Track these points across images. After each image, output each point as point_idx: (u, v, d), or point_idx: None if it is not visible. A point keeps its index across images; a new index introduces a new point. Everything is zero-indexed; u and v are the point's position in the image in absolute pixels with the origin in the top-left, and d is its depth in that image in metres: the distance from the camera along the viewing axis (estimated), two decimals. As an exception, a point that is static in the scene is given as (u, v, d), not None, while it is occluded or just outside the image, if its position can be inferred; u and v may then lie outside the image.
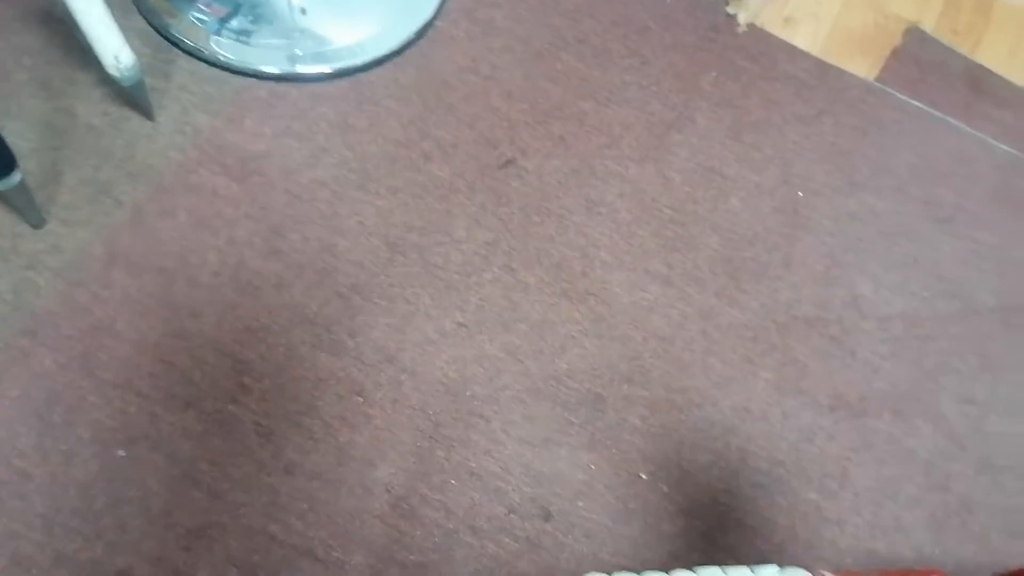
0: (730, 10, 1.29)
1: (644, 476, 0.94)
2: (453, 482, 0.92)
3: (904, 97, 1.25)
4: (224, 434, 0.91)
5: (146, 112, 1.09)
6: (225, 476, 0.89)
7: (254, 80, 1.16)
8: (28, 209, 0.99)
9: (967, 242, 1.13)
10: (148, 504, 0.87)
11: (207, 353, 0.96)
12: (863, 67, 1.27)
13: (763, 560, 0.90)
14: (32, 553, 0.83)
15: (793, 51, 1.28)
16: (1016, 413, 1.02)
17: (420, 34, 1.23)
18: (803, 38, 1.29)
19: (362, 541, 0.88)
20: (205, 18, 1.20)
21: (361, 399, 0.95)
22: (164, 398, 0.93)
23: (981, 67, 1.30)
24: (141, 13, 1.19)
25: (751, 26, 1.29)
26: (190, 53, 1.17)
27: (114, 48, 0.99)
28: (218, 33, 1.19)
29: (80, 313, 0.96)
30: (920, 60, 1.29)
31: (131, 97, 1.08)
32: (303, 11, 1.22)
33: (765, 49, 1.28)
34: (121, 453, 0.89)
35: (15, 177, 0.94)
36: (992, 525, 0.94)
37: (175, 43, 1.17)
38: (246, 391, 0.94)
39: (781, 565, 0.59)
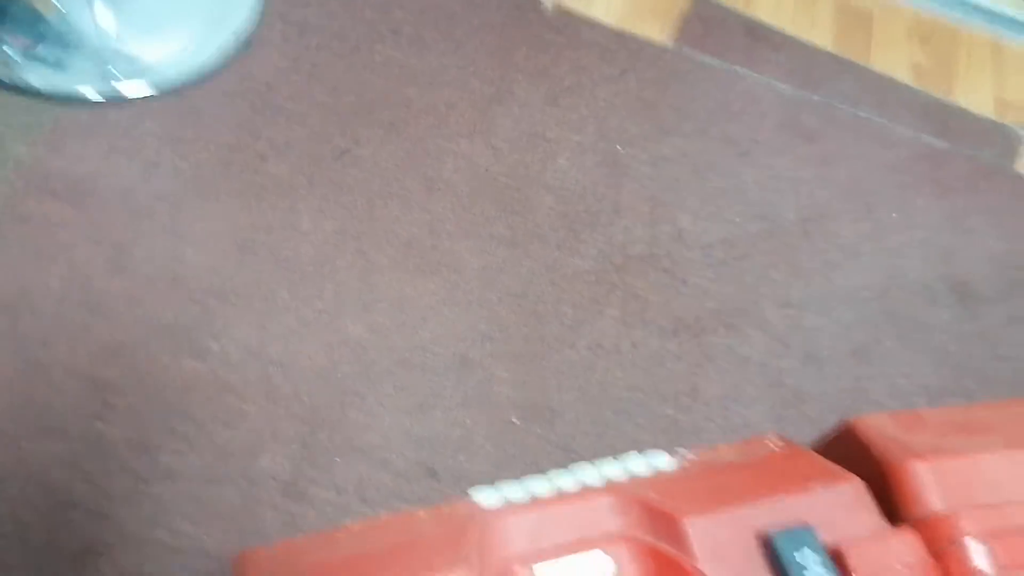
0: (530, -10, 1.34)
1: (517, 422, 0.97)
2: (338, 460, 0.91)
3: (696, 53, 1.34)
4: (96, 454, 0.87)
5: (-42, 148, 1.02)
6: (104, 494, 0.85)
7: (73, 105, 1.10)
8: None
9: (764, 169, 1.23)
10: (26, 537, 0.82)
11: (65, 379, 0.91)
12: (658, 31, 1.35)
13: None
14: (-97, 610, 0.77)
15: (595, 24, 1.34)
16: (829, 308, 1.12)
17: (237, 41, 1.20)
18: (602, 11, 1.36)
19: (256, 531, 0.86)
20: (9, 50, 1.13)
21: (233, 397, 0.93)
22: (27, 430, 0.87)
23: (757, 20, 1.40)
24: (-64, 49, 1.11)
25: (555, 5, 1.34)
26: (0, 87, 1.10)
27: (-88, 83, 0.93)
28: (26, 63, 1.12)
29: (-83, 360, 0.89)
30: (705, 19, 1.39)
31: (-61, 134, 1.01)
32: (113, 33, 1.18)
33: (569, 24, 1.33)
34: (-13, 492, 0.84)
35: None
36: (823, 409, 1.03)
37: (-20, 77, 1.10)
38: (111, 408, 0.90)
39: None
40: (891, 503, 0.61)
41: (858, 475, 0.59)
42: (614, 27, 1.34)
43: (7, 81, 1.09)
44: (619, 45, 1.32)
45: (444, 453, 0.93)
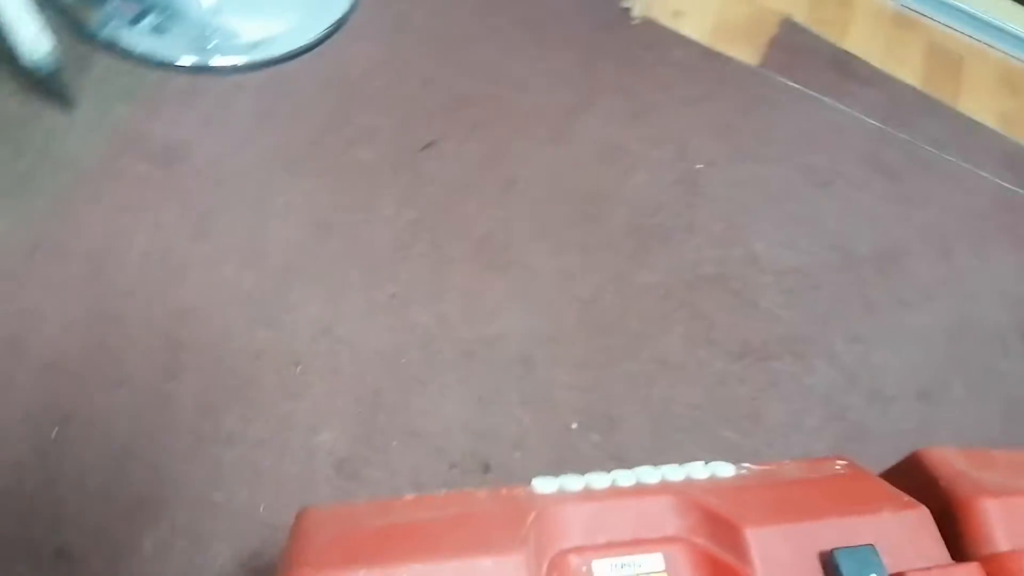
0: (624, 4, 1.34)
1: (574, 427, 0.96)
2: (395, 443, 0.91)
3: (782, 79, 1.32)
4: (161, 409, 0.88)
5: (64, 102, 1.05)
6: (165, 449, 0.86)
7: (172, 72, 1.13)
8: (-56, 198, 0.93)
9: (843, 202, 1.20)
10: (85, 481, 0.83)
11: (140, 332, 0.92)
12: (745, 53, 1.34)
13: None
14: (-34, 538, 0.78)
15: (682, 40, 1.33)
16: (898, 346, 1.09)
17: (336, 28, 1.22)
18: (691, 29, 1.35)
19: (308, 502, 0.86)
20: (119, 18, 1.16)
21: (299, 370, 0.93)
22: (97, 377, 0.89)
23: (847, 52, 1.38)
24: (55, 11, 1.14)
25: (644, 19, 1.34)
26: (106, 48, 1.12)
27: (31, 36, 0.95)
28: (132, 29, 1.15)
29: (3, 299, 0.91)
30: (794, 47, 1.37)
31: (49, 88, 1.03)
32: (216, 11, 1.20)
33: (657, 39, 1.33)
34: (54, 432, 0.85)
35: (-70, 164, 0.89)
36: (886, 447, 0.99)
37: (90, 39, 1.13)
38: (182, 367, 0.91)
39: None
40: (955, 537, 0.59)
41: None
42: (702, 46, 1.33)
43: (115, 45, 1.12)
44: (706, 65, 1.31)
45: (500, 449, 0.93)
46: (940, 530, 0.55)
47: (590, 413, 0.96)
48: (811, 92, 1.31)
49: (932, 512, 0.55)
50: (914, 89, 1.37)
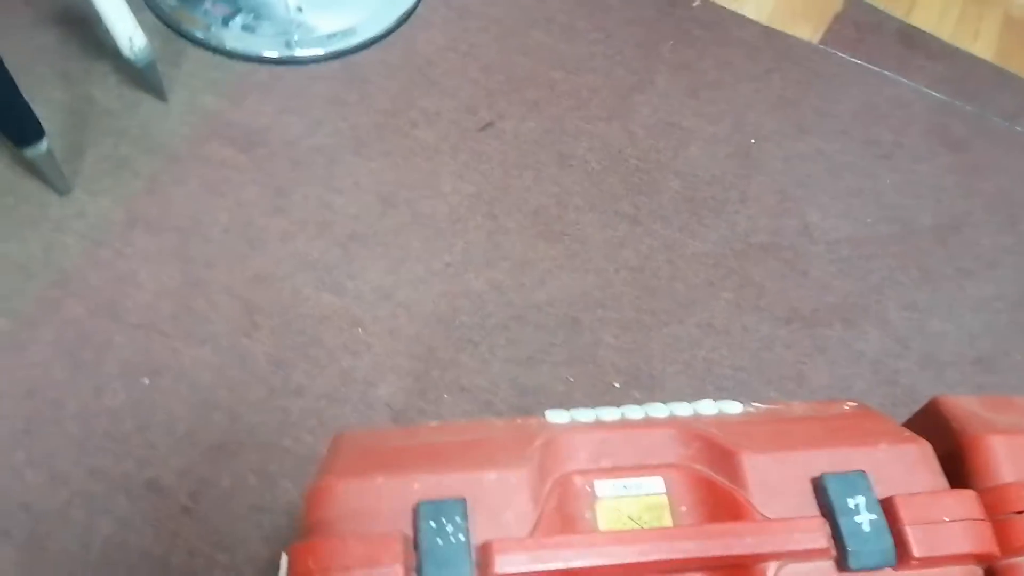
0: (683, -13, 1.39)
1: (618, 385, 1.01)
2: (447, 397, 0.99)
3: (845, 55, 1.33)
4: (239, 364, 0.99)
5: (158, 94, 1.18)
6: (242, 400, 0.97)
7: (255, 65, 1.24)
8: (55, 177, 1.07)
9: (905, 174, 1.21)
10: (173, 426, 0.94)
11: (221, 297, 1.03)
12: (807, 31, 1.36)
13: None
14: (68, 469, 0.90)
15: (743, 20, 1.37)
16: (956, 315, 1.09)
17: (403, 20, 1.32)
18: (752, 9, 1.38)
19: (366, 449, 0.95)
20: (212, 16, 1.29)
21: (361, 331, 1.03)
22: (184, 336, 1.00)
23: (914, 27, 1.38)
24: (151, 10, 1.28)
25: (704, 0, 1.38)
26: (197, 44, 1.26)
27: (128, 31, 1.08)
28: (224, 28, 1.28)
29: (105, 267, 1.04)
30: (859, 23, 1.38)
31: (144, 80, 1.17)
32: (299, 9, 1.32)
33: (717, 19, 1.36)
34: (146, 382, 0.97)
35: (43, 145, 1.02)
36: (935, 411, 1.00)
37: (183, 35, 1.27)
38: (257, 327, 1.01)
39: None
40: (962, 474, 0.61)
41: (937, 450, 0.60)
42: (763, 25, 1.36)
43: (207, 41, 1.25)
44: (766, 44, 1.34)
45: (545, 404, 0.99)
46: (951, 472, 0.58)
47: (633, 373, 1.01)
48: (875, 68, 1.32)
49: (945, 454, 0.58)
50: (986, 62, 1.35)
